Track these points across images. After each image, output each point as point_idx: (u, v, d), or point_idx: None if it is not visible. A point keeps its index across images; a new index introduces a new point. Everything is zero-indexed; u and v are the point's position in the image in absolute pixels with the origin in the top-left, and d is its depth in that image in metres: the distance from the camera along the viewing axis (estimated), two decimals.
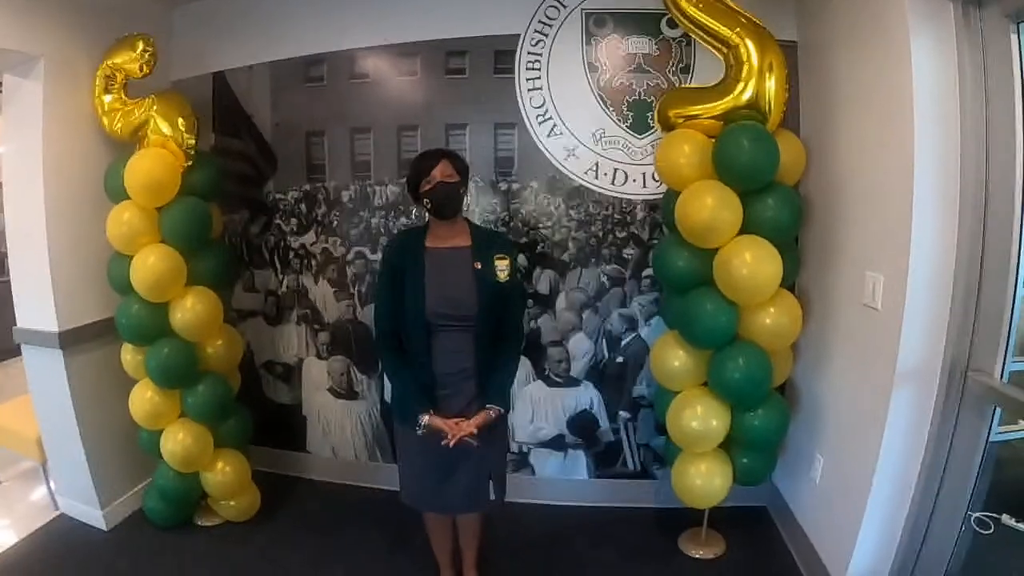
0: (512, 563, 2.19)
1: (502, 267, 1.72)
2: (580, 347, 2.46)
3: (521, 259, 2.36)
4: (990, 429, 1.57)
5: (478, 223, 2.05)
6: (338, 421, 2.71)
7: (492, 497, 1.82)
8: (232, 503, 2.40)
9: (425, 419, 1.67)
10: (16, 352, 2.48)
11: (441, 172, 1.68)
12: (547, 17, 2.30)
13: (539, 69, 2.32)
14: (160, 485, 2.30)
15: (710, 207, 1.83)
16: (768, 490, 2.42)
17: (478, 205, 2.43)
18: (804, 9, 2.17)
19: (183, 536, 2.36)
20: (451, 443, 1.65)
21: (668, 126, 2.00)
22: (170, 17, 2.61)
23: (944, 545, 1.67)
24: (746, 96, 1.86)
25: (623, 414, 2.49)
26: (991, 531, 1.60)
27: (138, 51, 2.16)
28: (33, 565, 2.21)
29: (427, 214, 1.75)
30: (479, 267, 1.71)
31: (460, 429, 1.66)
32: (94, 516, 2.40)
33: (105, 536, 2.38)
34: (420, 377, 1.72)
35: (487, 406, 1.72)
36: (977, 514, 1.62)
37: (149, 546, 2.31)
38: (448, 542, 2.01)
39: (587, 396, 2.49)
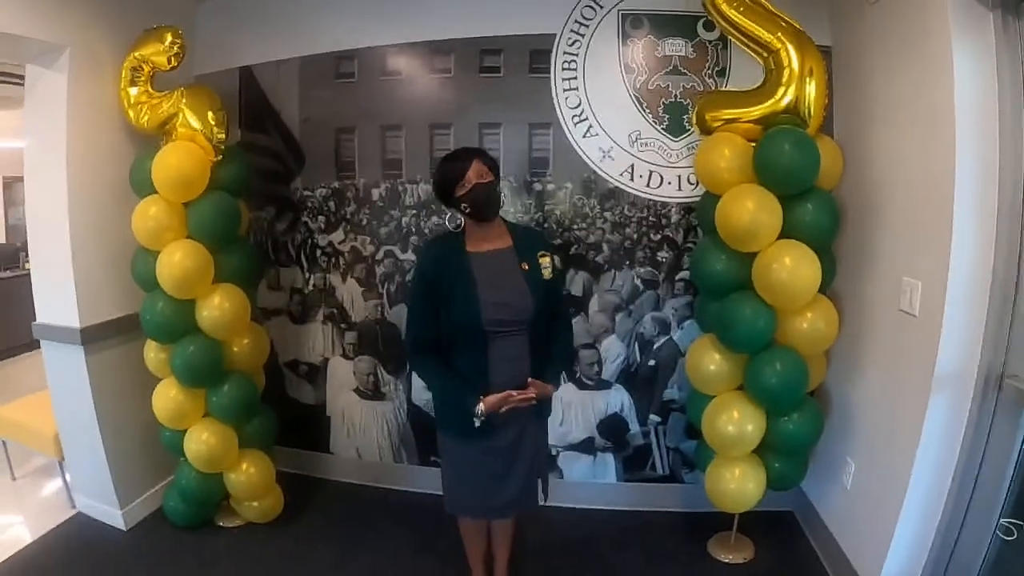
0: (541, 566, 2.18)
1: (546, 264, 1.69)
2: (612, 350, 2.44)
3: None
4: None
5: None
6: (363, 422, 2.68)
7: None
8: (255, 504, 2.36)
9: (481, 408, 1.60)
10: (31, 347, 2.43)
11: (476, 173, 1.60)
12: (583, 17, 2.29)
13: (575, 69, 2.31)
14: (182, 485, 2.27)
15: (751, 211, 1.83)
16: (795, 495, 2.41)
17: (512, 206, 2.40)
18: (839, 14, 2.17)
19: (203, 537, 2.33)
20: (507, 407, 1.62)
21: (706, 129, 2.01)
22: (194, 10, 2.57)
23: (975, 551, 1.67)
24: (786, 101, 1.86)
25: (653, 417, 2.48)
26: (1014, 537, 1.60)
27: (166, 43, 2.12)
28: (50, 564, 2.17)
29: (463, 219, 1.67)
30: (527, 268, 1.67)
31: (517, 397, 1.62)
32: (113, 515, 2.37)
33: (124, 536, 2.34)
34: (461, 374, 1.66)
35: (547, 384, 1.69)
36: (1002, 520, 1.63)
37: (169, 547, 2.27)
38: (482, 545, 2.00)
39: (618, 399, 2.47)
